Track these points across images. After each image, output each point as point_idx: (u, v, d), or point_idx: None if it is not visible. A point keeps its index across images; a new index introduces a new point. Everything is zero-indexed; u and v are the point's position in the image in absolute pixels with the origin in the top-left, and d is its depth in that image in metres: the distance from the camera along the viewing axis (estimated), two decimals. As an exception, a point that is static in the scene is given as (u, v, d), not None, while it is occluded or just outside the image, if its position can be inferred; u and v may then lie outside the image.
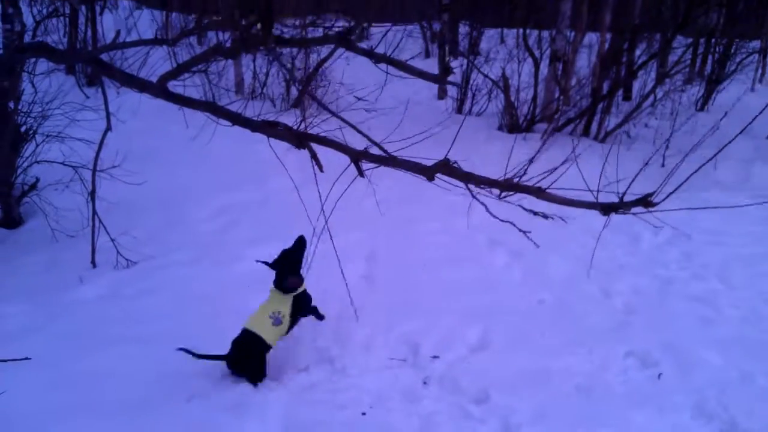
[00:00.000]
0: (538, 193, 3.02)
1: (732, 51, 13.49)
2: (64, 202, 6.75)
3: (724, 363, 4.41)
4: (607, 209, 2.91)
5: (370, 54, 3.26)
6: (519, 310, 5.10)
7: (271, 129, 3.51)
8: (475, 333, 4.77)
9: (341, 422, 3.80)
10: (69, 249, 6.21)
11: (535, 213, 3.17)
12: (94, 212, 5.82)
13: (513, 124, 11.09)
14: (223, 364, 4.19)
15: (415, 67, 3.24)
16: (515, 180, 3.05)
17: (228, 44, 10.92)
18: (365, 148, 3.32)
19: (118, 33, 4.14)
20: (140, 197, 7.10)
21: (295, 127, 3.53)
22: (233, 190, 7.64)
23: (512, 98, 11.08)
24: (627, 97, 13.00)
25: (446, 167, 3.14)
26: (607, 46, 11.73)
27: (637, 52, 11.80)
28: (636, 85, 12.41)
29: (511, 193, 3.08)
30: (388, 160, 3.26)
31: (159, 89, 3.48)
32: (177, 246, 6.27)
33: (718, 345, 4.62)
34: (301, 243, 4.33)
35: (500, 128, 11.23)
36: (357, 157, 3.32)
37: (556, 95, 11.41)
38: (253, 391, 4.02)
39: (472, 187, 3.14)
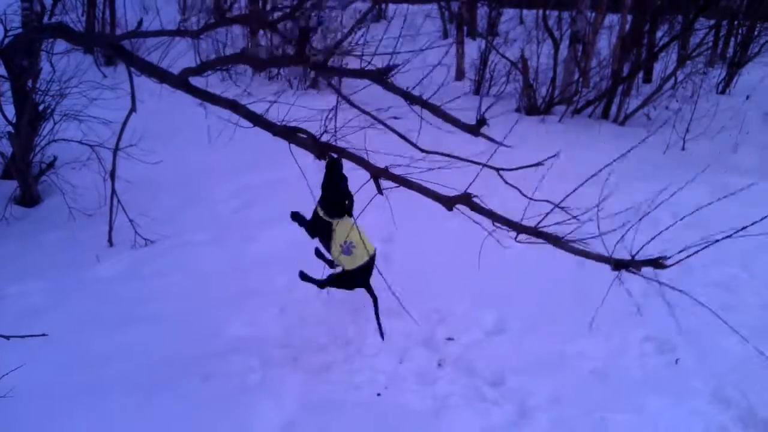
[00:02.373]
0: (556, 241, 3.02)
1: (755, 33, 13.27)
2: (81, 181, 6.78)
3: (744, 350, 4.36)
4: (618, 265, 2.93)
5: (405, 95, 3.23)
6: (534, 295, 5.07)
7: (291, 135, 3.49)
8: (490, 316, 4.75)
9: (356, 402, 3.81)
10: (86, 228, 6.24)
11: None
12: (114, 191, 5.83)
13: (531, 105, 10.99)
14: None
15: (450, 115, 3.20)
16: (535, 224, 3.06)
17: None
18: (386, 167, 3.30)
19: (140, 22, 4.12)
20: (157, 177, 7.11)
21: (317, 135, 3.50)
22: (251, 171, 7.62)
23: (531, 80, 10.97)
24: (647, 80, 12.85)
25: (467, 200, 3.14)
26: (628, 27, 11.58)
27: (659, 34, 11.63)
28: (657, 68, 12.25)
29: (530, 237, 3.09)
30: (408, 183, 3.25)
31: (180, 82, 3.45)
32: (194, 226, 6.28)
33: (737, 330, 4.56)
34: (335, 166, 4.07)
35: (518, 110, 11.13)
36: (377, 174, 3.31)
37: (576, 77, 11.28)
38: (268, 370, 4.04)
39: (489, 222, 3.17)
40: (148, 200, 6.61)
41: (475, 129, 3.16)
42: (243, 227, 6.22)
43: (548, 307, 4.87)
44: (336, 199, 4.11)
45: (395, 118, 3.51)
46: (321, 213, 4.15)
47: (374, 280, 4.36)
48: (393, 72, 3.19)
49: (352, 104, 3.60)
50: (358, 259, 4.18)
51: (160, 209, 6.57)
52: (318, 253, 4.56)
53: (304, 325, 4.53)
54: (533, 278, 5.24)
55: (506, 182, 3.22)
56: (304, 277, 4.45)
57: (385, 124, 3.50)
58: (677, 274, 4.47)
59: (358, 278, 4.31)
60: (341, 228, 4.09)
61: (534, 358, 4.24)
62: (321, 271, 4.50)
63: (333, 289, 4.49)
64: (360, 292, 4.64)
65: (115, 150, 5.84)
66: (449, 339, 4.47)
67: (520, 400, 3.85)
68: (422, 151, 3.46)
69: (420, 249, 5.75)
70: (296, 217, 4.31)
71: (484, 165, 3.29)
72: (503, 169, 3.24)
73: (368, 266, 4.25)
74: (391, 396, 3.90)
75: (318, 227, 4.22)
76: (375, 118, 3.54)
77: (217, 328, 4.50)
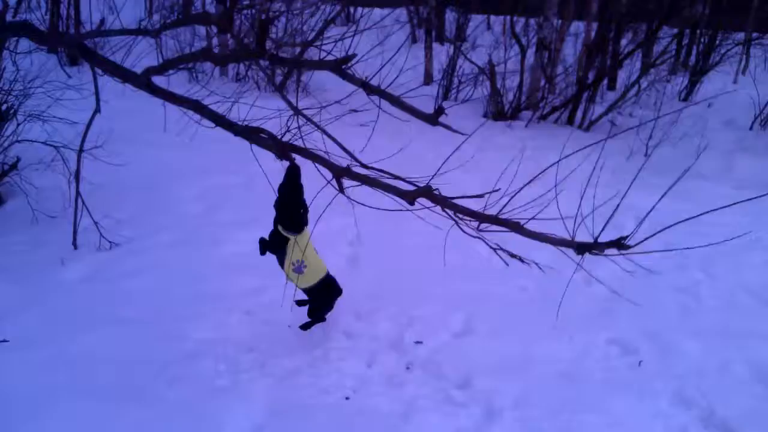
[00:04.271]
0: (516, 228, 3.06)
1: (717, 42, 13.56)
2: (45, 183, 6.66)
3: (704, 351, 4.48)
4: (581, 249, 2.98)
5: (364, 85, 3.25)
6: (502, 298, 5.13)
7: (254, 135, 3.49)
8: (458, 319, 4.80)
9: (325, 406, 3.82)
10: (50, 230, 6.13)
11: (512, 255, 3.23)
12: (78, 193, 5.75)
13: (498, 111, 11.10)
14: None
15: (408, 104, 3.23)
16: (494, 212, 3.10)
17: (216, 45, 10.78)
18: (347, 165, 3.32)
19: (102, 21, 4.08)
20: (123, 178, 7.02)
21: (279, 135, 3.51)
22: (218, 173, 7.58)
23: (498, 85, 11.07)
24: (612, 87, 13.05)
25: (428, 193, 3.17)
26: (593, 35, 11.75)
27: (623, 42, 11.84)
28: (621, 75, 12.45)
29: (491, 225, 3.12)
30: (371, 181, 3.27)
31: (143, 82, 3.43)
32: (160, 228, 6.22)
33: (698, 334, 4.67)
34: (294, 173, 4.00)
35: (485, 115, 11.23)
36: (339, 174, 3.32)
37: (542, 83, 11.41)
38: (236, 375, 4.03)
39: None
40: (113, 202, 6.53)
41: (432, 118, 3.20)
42: (210, 229, 6.18)
43: (515, 310, 4.93)
44: (294, 209, 4.08)
45: (354, 111, 3.54)
46: (281, 229, 4.12)
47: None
48: (351, 63, 3.21)
49: (306, 117, 3.61)
50: (310, 279, 4.26)
51: (126, 211, 6.50)
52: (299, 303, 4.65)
53: (270, 329, 4.52)
54: (500, 281, 5.29)
55: (456, 213, 3.23)
56: (300, 303, 4.60)
57: (334, 139, 3.51)
58: (641, 280, 4.61)
59: (324, 297, 4.47)
60: (296, 245, 4.10)
61: (501, 360, 4.29)
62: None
63: (299, 292, 4.47)
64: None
65: (80, 151, 5.76)
66: (417, 342, 4.49)
67: (487, 402, 3.89)
68: (363, 166, 3.46)
69: (387, 252, 5.77)
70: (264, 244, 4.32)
71: (422, 189, 3.29)
72: (454, 198, 3.25)
73: (325, 282, 4.37)
74: (360, 399, 3.90)
75: (274, 243, 4.20)
76: (323, 131, 3.56)
77: (183, 331, 4.46)
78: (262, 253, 4.28)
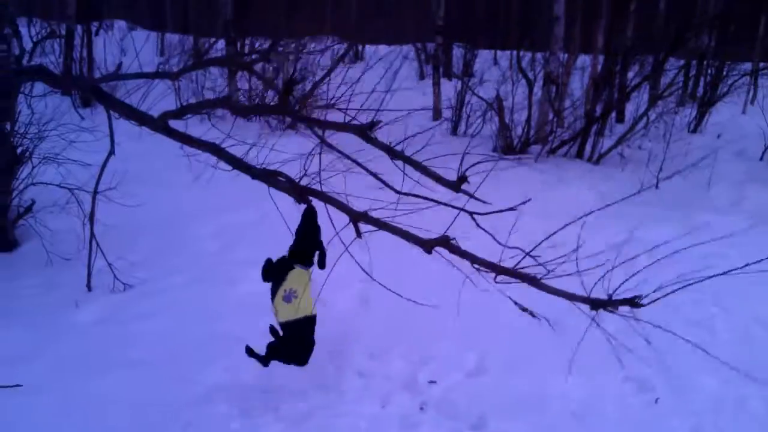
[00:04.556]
0: (533, 281, 3.10)
1: (724, 73, 13.62)
2: (59, 225, 6.73)
3: (720, 387, 4.43)
4: (595, 305, 3.01)
5: (388, 150, 3.32)
6: (514, 334, 5.10)
7: (271, 178, 3.54)
8: (471, 357, 4.77)
9: (339, 449, 3.80)
10: (64, 272, 6.18)
11: (523, 309, 3.28)
12: (92, 235, 5.81)
13: (507, 145, 11.15)
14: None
15: (432, 170, 3.31)
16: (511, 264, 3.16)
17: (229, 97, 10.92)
18: (365, 211, 3.36)
19: (119, 65, 4.17)
20: (137, 219, 7.08)
21: (296, 179, 3.56)
22: (232, 211, 7.63)
23: (506, 120, 11.14)
24: (620, 119, 13.10)
25: (446, 243, 3.22)
26: (599, 68, 11.84)
27: (630, 74, 11.91)
28: (629, 107, 12.52)
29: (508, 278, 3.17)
30: (388, 227, 3.31)
31: (160, 125, 3.50)
32: (175, 268, 6.25)
33: (713, 369, 4.62)
34: (311, 215, 4.04)
35: (495, 149, 11.28)
36: (356, 218, 3.37)
37: (550, 117, 11.48)
38: (249, 419, 4.01)
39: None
40: (127, 243, 6.58)
41: (456, 186, 3.25)
42: (224, 269, 6.20)
43: (528, 347, 4.90)
44: (305, 247, 4.09)
45: (378, 178, 3.59)
46: (287, 256, 4.13)
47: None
48: (376, 127, 3.27)
49: (331, 147, 3.66)
50: (295, 312, 4.06)
51: (140, 252, 6.54)
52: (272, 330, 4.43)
53: (284, 371, 4.50)
54: (513, 318, 5.26)
55: (479, 226, 3.29)
56: (250, 352, 4.32)
57: (361, 166, 3.56)
58: (654, 314, 4.57)
59: (296, 341, 4.18)
60: (297, 276, 4.06)
61: (515, 400, 4.26)
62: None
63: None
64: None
65: (94, 193, 5.83)
66: (431, 382, 4.47)
67: (502, 442, 3.87)
68: (398, 192, 3.52)
69: (401, 290, 5.76)
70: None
71: (461, 209, 3.36)
72: (477, 213, 3.31)
73: (305, 325, 4.15)
74: (374, 441, 3.89)
75: (276, 269, 4.15)
76: (352, 159, 3.61)
77: (197, 373, 4.47)
78: (265, 278, 4.21)
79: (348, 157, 3.60)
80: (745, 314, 5.51)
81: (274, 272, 4.18)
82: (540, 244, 3.19)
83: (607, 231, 6.97)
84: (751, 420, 4.13)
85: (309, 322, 4.16)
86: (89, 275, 5.83)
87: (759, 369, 4.65)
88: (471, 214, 3.33)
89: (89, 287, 5.83)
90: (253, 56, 3.99)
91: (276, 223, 4.12)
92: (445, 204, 3.44)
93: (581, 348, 4.63)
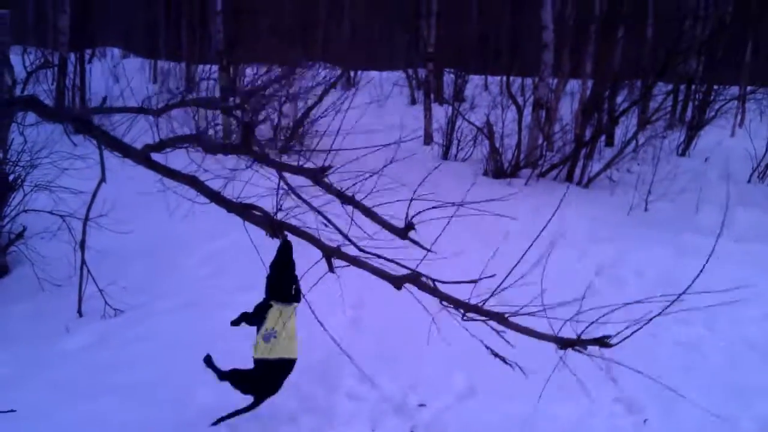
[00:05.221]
0: (501, 320, 3.14)
1: (711, 97, 13.78)
2: (51, 251, 6.75)
3: (709, 407, 4.44)
4: (564, 344, 3.05)
5: (339, 195, 3.40)
6: (503, 355, 5.11)
7: (247, 212, 3.59)
8: (460, 379, 4.79)
9: (329, 473, 3.79)
10: (55, 298, 6.19)
11: (495, 355, 3.30)
12: (83, 262, 5.83)
13: (498, 169, 11.22)
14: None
15: (380, 216, 3.37)
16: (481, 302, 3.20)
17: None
18: (338, 246, 3.41)
19: (104, 99, 4.23)
20: (128, 246, 7.10)
21: (272, 211, 3.61)
22: (221, 236, 7.63)
23: (497, 144, 11.22)
24: (609, 143, 13.20)
25: (416, 280, 3.26)
26: (588, 93, 11.96)
27: (619, 99, 12.04)
28: (618, 132, 12.62)
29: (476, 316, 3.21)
30: (360, 263, 3.36)
31: (142, 157, 3.56)
32: (165, 294, 6.26)
33: (702, 389, 4.65)
34: (286, 249, 4.01)
35: (485, 173, 11.35)
36: (329, 253, 3.41)
37: (540, 141, 11.57)
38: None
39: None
40: (118, 269, 6.59)
41: (403, 233, 3.30)
42: (214, 293, 6.21)
43: (517, 370, 4.91)
44: (282, 282, 4.05)
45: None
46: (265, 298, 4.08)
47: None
48: (329, 171, 3.35)
49: (291, 190, 3.69)
50: (269, 352, 3.96)
51: (131, 278, 6.55)
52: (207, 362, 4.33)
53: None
54: (502, 340, 5.29)
55: (441, 301, 3.31)
56: (208, 362, 4.25)
57: (316, 210, 3.59)
58: (642, 335, 4.60)
59: (264, 381, 4.07)
60: (276, 314, 3.96)
61: (505, 422, 4.28)
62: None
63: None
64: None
65: (85, 220, 5.87)
66: (421, 405, 4.48)
67: (492, 464, 3.87)
68: (361, 250, 3.52)
69: (391, 314, 5.78)
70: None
71: (419, 275, 3.36)
72: (439, 281, 3.33)
73: (281, 369, 4.04)
74: (365, 464, 3.89)
75: (256, 312, 4.10)
76: (309, 204, 3.64)
77: (187, 397, 4.47)
78: (234, 323, 4.17)
79: (306, 201, 3.62)
80: (733, 336, 5.54)
81: (255, 318, 4.10)
82: (504, 281, 3.21)
83: (596, 253, 7.03)
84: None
85: (283, 366, 4.04)
86: (80, 301, 5.85)
87: (748, 389, 4.70)
88: (433, 281, 3.34)
89: (80, 313, 5.84)
90: (235, 99, 4.09)
91: (264, 249, 4.14)
92: (404, 266, 3.45)
93: (571, 369, 4.67)
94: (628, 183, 10.45)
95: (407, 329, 5.47)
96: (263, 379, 4.04)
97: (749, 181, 11.21)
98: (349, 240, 3.49)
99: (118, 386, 4.63)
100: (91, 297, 5.88)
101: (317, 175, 3.38)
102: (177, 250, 7.37)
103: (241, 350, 4.79)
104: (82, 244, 5.86)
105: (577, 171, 10.97)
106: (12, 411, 4.17)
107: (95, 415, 4.26)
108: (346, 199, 3.36)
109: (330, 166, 3.38)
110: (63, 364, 5.03)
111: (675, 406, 4.46)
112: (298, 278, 4.11)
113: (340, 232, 3.47)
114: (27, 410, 4.27)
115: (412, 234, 3.30)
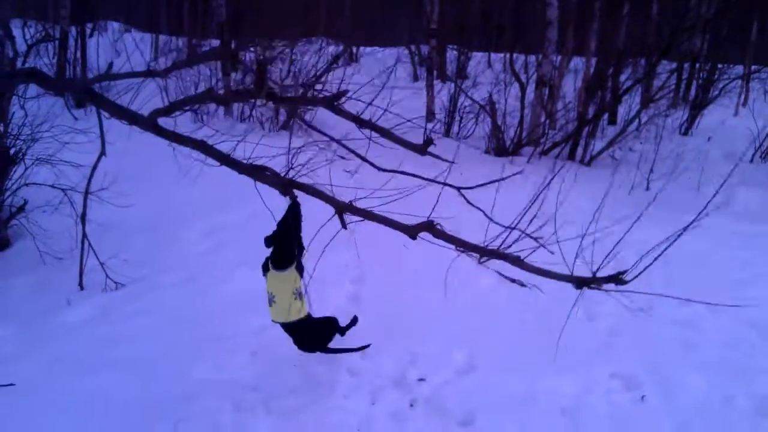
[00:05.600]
0: (516, 262, 3.13)
1: (715, 76, 13.71)
2: (52, 225, 6.75)
3: (707, 386, 4.47)
4: (580, 283, 3.05)
5: (355, 119, 3.37)
6: (503, 331, 5.14)
7: (257, 173, 3.58)
8: (460, 355, 4.80)
9: (329, 445, 3.83)
10: (57, 271, 6.20)
11: (513, 281, 3.30)
12: (84, 235, 5.84)
13: (500, 147, 11.19)
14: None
15: (397, 136, 3.36)
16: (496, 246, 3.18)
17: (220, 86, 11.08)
18: (350, 201, 3.40)
19: (110, 65, 4.19)
20: (129, 219, 7.09)
21: (282, 172, 3.60)
22: (222, 210, 7.63)
23: (499, 122, 11.18)
24: (612, 122, 13.16)
25: (430, 228, 3.25)
26: (592, 70, 11.89)
27: (623, 77, 11.97)
28: (621, 110, 12.57)
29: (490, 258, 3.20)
30: (373, 216, 3.35)
31: (149, 124, 3.53)
32: (166, 267, 6.27)
33: (700, 368, 4.67)
34: (295, 209, 4.01)
35: (487, 151, 11.33)
36: (341, 209, 3.41)
37: (543, 119, 11.53)
38: (240, 413, 4.04)
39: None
40: (119, 243, 6.60)
41: (422, 149, 3.31)
42: (215, 268, 6.22)
43: (516, 344, 4.94)
44: (280, 248, 4.05)
45: (344, 147, 3.64)
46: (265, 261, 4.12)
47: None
48: (343, 99, 3.34)
49: (312, 127, 3.70)
50: (276, 315, 4.13)
51: (132, 251, 6.55)
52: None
53: (275, 368, 4.54)
54: (502, 316, 5.32)
55: (468, 202, 3.34)
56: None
57: (347, 147, 3.62)
58: (643, 314, 4.63)
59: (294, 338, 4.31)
60: (271, 279, 4.07)
61: (504, 397, 4.29)
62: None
63: None
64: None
65: (86, 193, 5.86)
66: (421, 379, 4.50)
67: (490, 439, 3.90)
68: (380, 170, 3.57)
69: (391, 289, 5.80)
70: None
71: (445, 184, 3.41)
72: (464, 188, 3.36)
73: (288, 330, 4.22)
74: (364, 437, 3.92)
75: (263, 269, 4.16)
76: (335, 139, 3.67)
77: (188, 370, 4.49)
78: (268, 244, 4.14)
79: (323, 133, 3.65)
80: (733, 315, 5.54)
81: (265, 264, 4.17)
82: (520, 219, 3.24)
83: (597, 232, 7.02)
84: (737, 418, 4.16)
85: (287, 328, 4.20)
86: (81, 274, 5.86)
87: (746, 368, 4.71)
88: (459, 189, 3.38)
89: (81, 286, 5.85)
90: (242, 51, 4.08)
91: (266, 223, 4.14)
92: (430, 180, 3.49)
93: (568, 345, 4.70)
94: (631, 162, 10.43)
95: (407, 304, 5.51)
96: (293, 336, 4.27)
97: (752, 161, 11.17)
98: (369, 162, 3.52)
99: (119, 360, 4.65)
100: (92, 270, 5.89)
101: (332, 102, 3.38)
102: (178, 222, 7.36)
103: (242, 322, 4.82)
104: (83, 217, 5.86)
105: (580, 149, 10.94)
106: (11, 385, 4.22)
107: (97, 388, 4.28)
108: (362, 122, 3.37)
109: (345, 91, 3.39)
110: (64, 337, 5.05)
111: (672, 383, 4.49)
112: (303, 243, 4.13)
113: (359, 155, 3.49)
114: (27, 383, 4.31)
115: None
